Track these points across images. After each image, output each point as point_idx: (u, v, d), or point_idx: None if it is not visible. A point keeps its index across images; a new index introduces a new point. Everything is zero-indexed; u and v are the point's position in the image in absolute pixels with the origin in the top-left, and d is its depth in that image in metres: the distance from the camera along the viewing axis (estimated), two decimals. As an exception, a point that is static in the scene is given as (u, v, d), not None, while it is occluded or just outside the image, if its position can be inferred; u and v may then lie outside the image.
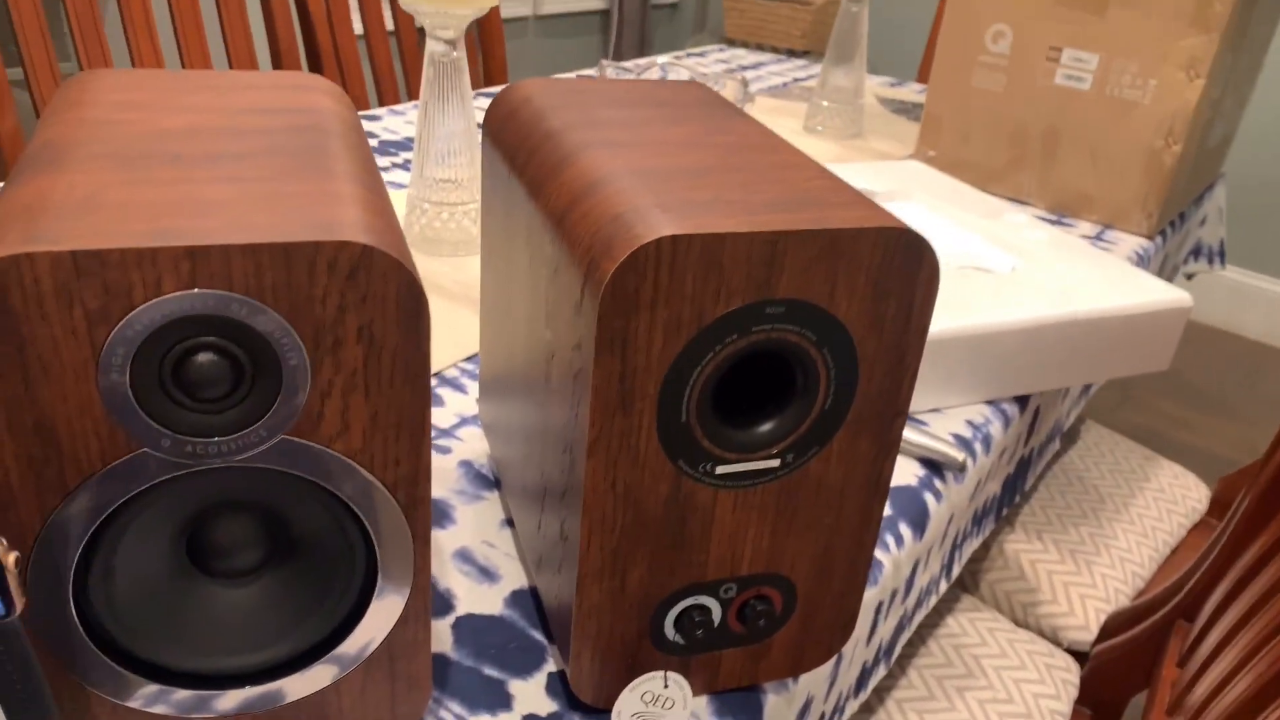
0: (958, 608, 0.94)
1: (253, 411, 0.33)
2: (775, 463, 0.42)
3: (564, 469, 0.42)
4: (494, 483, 0.60)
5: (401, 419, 0.35)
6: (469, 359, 0.73)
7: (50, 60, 1.13)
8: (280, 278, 0.32)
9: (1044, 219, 1.12)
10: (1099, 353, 0.77)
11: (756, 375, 0.42)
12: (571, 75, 1.49)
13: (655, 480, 0.41)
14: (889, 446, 0.44)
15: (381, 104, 1.56)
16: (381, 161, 1.12)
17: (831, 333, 0.40)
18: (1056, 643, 0.97)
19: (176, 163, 0.35)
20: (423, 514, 0.38)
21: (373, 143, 1.18)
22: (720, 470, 0.41)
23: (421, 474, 0.37)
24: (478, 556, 0.54)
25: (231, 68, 1.36)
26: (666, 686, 0.45)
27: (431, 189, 0.87)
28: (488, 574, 0.53)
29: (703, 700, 0.47)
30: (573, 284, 0.39)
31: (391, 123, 1.26)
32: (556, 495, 0.44)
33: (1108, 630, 0.96)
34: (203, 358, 0.32)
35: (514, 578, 0.53)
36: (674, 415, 0.39)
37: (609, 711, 0.46)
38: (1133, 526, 1.08)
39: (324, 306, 0.32)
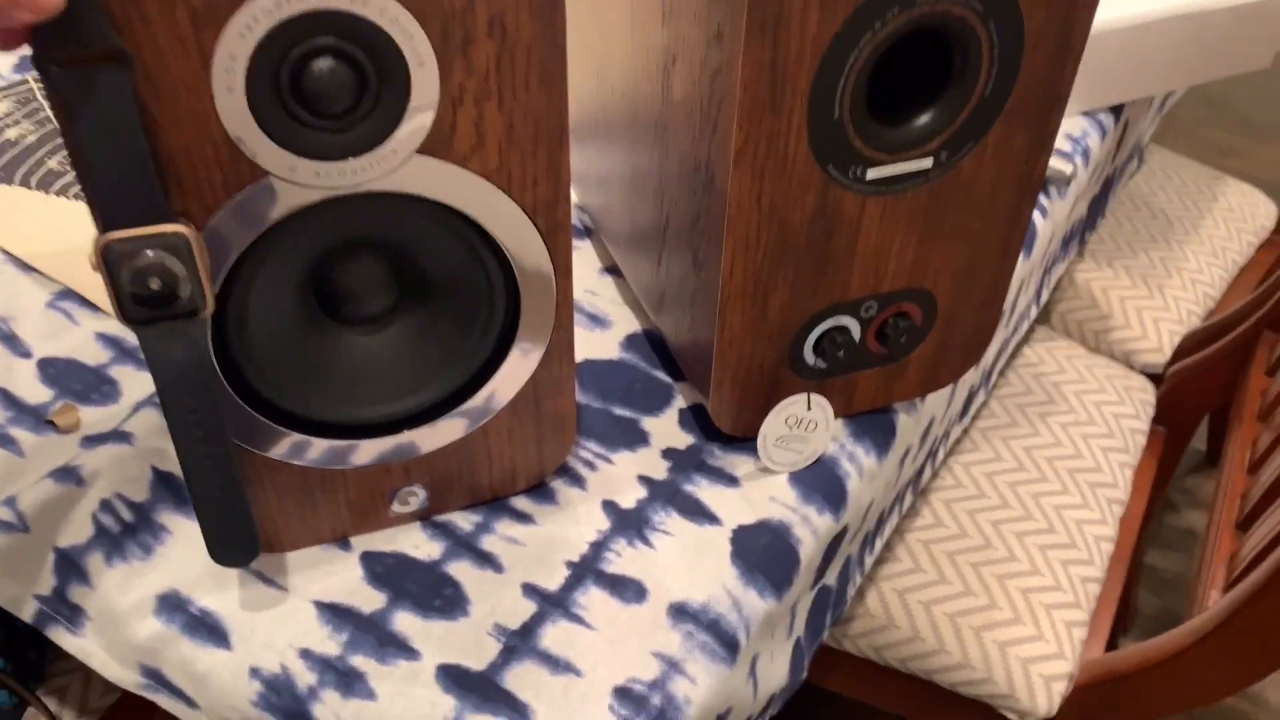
0: (1033, 338, 0.92)
1: (381, 127, 0.30)
2: (928, 163, 0.38)
3: (696, 191, 0.39)
4: (584, 232, 0.57)
5: (539, 130, 0.32)
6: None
7: None
8: (402, -42, 0.27)
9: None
10: (1201, 52, 0.71)
11: (910, 65, 0.37)
12: None
13: (803, 191, 0.37)
14: (1045, 139, 0.40)
15: None
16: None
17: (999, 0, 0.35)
18: (1130, 366, 0.96)
19: None
20: (563, 242, 0.35)
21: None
22: (871, 175, 0.38)
23: (561, 196, 0.34)
24: (584, 305, 0.52)
25: None
26: (809, 409, 0.43)
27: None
28: (598, 320, 0.51)
29: (839, 424, 0.46)
30: (706, -35, 0.34)
31: None
32: (685, 225, 0.41)
33: (1183, 350, 0.95)
34: (323, 63, 0.28)
35: (625, 323, 0.51)
36: (826, 112, 0.35)
37: (747, 440, 0.45)
38: (1202, 247, 1.05)
39: (452, -7, 0.28)
